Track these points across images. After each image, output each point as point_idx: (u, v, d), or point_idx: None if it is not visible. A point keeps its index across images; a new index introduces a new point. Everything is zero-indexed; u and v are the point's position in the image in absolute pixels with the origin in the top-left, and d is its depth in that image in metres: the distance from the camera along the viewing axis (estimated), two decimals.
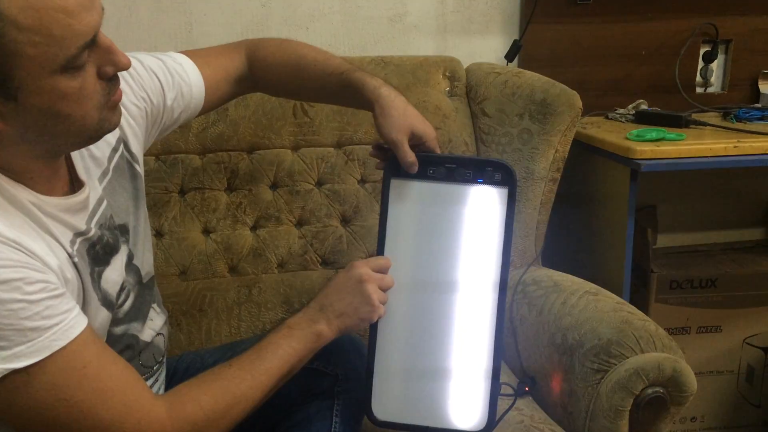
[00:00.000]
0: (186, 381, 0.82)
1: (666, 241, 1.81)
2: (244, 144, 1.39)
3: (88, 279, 0.78)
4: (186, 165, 1.37)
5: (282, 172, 1.40)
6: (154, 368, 0.94)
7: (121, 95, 0.76)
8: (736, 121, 1.59)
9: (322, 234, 1.40)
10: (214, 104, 1.07)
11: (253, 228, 1.39)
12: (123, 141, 0.90)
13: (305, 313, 0.92)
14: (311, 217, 1.40)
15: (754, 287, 1.66)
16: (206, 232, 1.37)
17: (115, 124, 0.77)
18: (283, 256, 1.39)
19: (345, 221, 1.42)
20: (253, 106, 1.39)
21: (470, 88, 1.52)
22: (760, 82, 1.87)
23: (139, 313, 0.89)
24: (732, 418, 1.76)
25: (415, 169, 0.97)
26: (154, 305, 0.94)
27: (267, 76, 1.07)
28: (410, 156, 0.95)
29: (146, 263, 0.92)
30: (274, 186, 1.40)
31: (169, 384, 1.01)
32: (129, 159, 0.91)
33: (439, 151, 1.00)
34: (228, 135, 1.38)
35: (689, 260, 1.71)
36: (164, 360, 0.98)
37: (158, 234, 1.35)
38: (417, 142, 0.97)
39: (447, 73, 1.53)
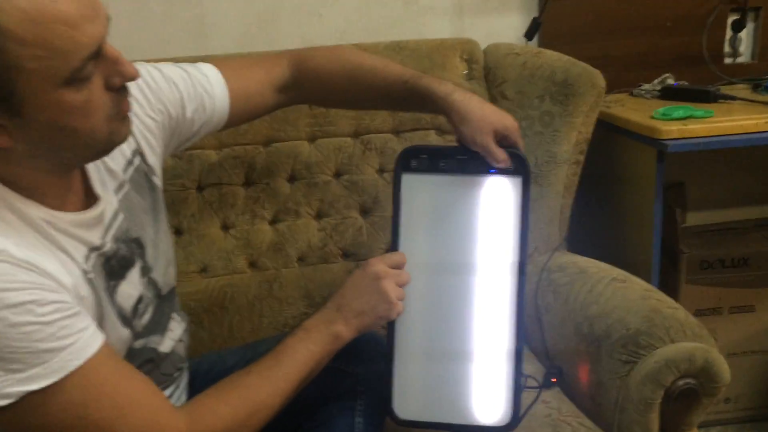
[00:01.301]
0: (205, 390, 0.81)
1: (695, 219, 1.76)
2: (260, 137, 1.37)
3: (103, 294, 0.77)
4: (202, 160, 1.35)
5: (299, 164, 1.38)
6: (174, 375, 0.93)
7: (129, 107, 0.74)
8: (767, 92, 1.53)
9: (341, 226, 1.39)
10: (245, 117, 1.04)
11: (272, 222, 1.38)
12: (139, 153, 0.88)
13: (322, 314, 0.91)
14: (330, 209, 1.39)
15: None
16: (225, 228, 1.36)
17: (125, 136, 0.75)
18: (303, 250, 1.37)
19: (364, 212, 1.40)
20: None
21: (488, 71, 1.48)
22: None
23: (158, 326, 0.88)
24: (766, 399, 1.72)
25: (508, 164, 0.95)
26: (174, 314, 0.94)
27: (319, 87, 1.04)
28: (500, 155, 0.93)
29: (168, 275, 0.91)
30: (291, 179, 1.38)
31: (191, 386, 1.01)
32: (146, 171, 0.89)
33: (521, 142, 0.97)
34: (244, 128, 1.36)
35: (720, 239, 1.66)
36: (185, 365, 0.98)
37: (177, 232, 1.34)
38: (500, 138, 0.95)
39: (464, 56, 1.48)
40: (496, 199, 0.97)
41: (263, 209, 1.37)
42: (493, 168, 0.96)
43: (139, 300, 0.83)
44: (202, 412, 0.78)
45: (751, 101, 1.46)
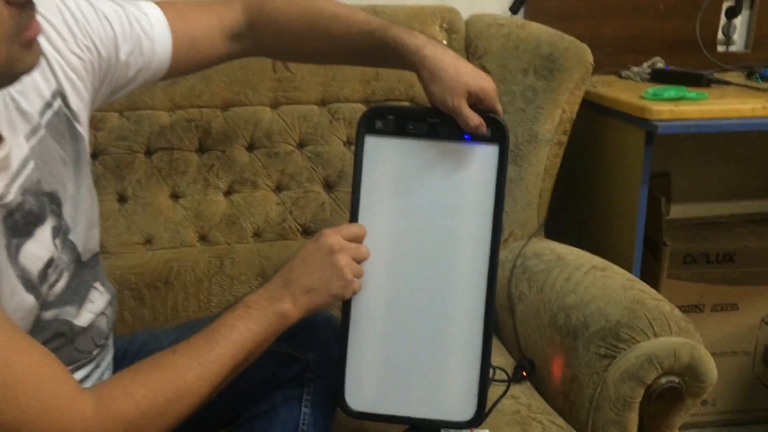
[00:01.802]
0: (121, 371, 0.70)
1: (680, 211, 1.67)
2: (217, 100, 1.25)
3: (2, 252, 0.66)
4: (152, 122, 1.23)
5: (259, 131, 1.27)
6: (94, 353, 0.81)
7: (37, 30, 0.62)
8: (762, 80, 1.45)
9: (302, 200, 1.28)
10: (186, 68, 0.91)
11: (227, 193, 1.27)
12: (61, 95, 0.76)
13: (266, 289, 0.80)
14: (291, 182, 1.28)
15: None
16: (174, 196, 1.25)
17: (31, 66, 0.63)
18: (259, 225, 1.26)
19: (328, 186, 1.30)
20: None
21: (469, 42, 1.38)
22: None
23: (74, 296, 0.76)
24: (746, 403, 1.64)
25: (484, 129, 0.84)
26: (96, 284, 0.82)
27: (276, 35, 0.92)
28: (473, 119, 0.83)
29: (90, 239, 0.79)
30: (250, 147, 1.27)
31: (119, 367, 0.89)
32: (68, 116, 0.77)
33: (500, 108, 0.87)
34: (200, 90, 1.25)
35: (705, 232, 1.58)
36: (108, 342, 0.86)
37: (121, 199, 1.23)
38: (475, 101, 0.84)
39: (444, 25, 1.38)
40: (469, 169, 0.87)
41: (217, 178, 1.25)
42: (467, 134, 0.86)
43: (50, 263, 0.71)
44: (115, 394, 0.67)
45: (747, 87, 1.38)
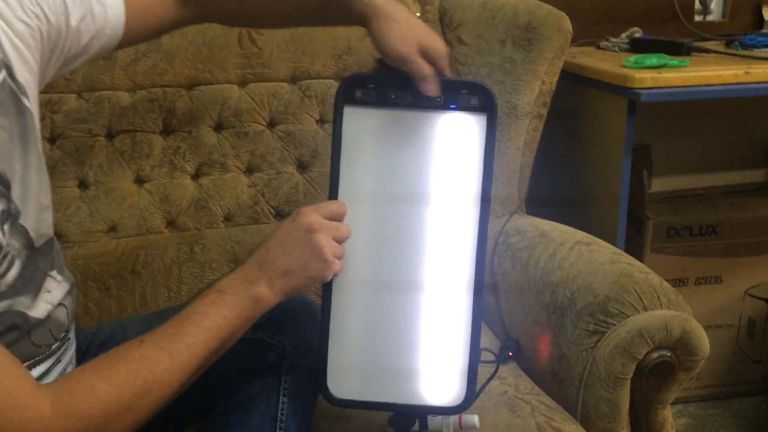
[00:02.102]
0: (83, 364, 0.65)
1: (661, 184, 1.65)
2: (181, 78, 1.19)
3: None
4: (113, 103, 1.17)
5: (227, 111, 1.20)
6: (53, 347, 0.75)
7: None
8: (742, 48, 1.42)
9: (275, 182, 1.22)
10: (141, 35, 0.85)
11: (195, 176, 1.20)
12: (6, 66, 0.69)
13: (240, 272, 0.75)
14: (262, 163, 1.22)
15: (758, 233, 1.52)
16: (139, 181, 1.18)
17: None
18: (230, 208, 1.21)
19: (302, 167, 1.24)
20: (192, 34, 1.19)
21: (444, 13, 1.33)
22: (764, 8, 1.70)
23: (28, 285, 0.70)
24: (731, 376, 1.63)
25: (436, 88, 0.79)
26: (53, 273, 0.76)
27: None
28: (426, 68, 0.77)
29: (42, 223, 0.73)
30: (218, 127, 1.21)
31: (80, 364, 0.84)
32: (14, 90, 0.70)
33: (449, 72, 0.82)
34: (162, 68, 1.18)
35: (688, 205, 1.56)
36: (69, 335, 0.80)
37: (82, 185, 1.16)
38: (426, 61, 0.79)
39: None
40: (456, 140, 0.82)
41: (184, 161, 1.19)
42: (453, 103, 0.81)
43: None
44: (75, 390, 0.61)
45: (728, 54, 1.35)
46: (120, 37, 0.80)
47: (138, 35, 0.84)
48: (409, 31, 0.78)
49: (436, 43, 0.79)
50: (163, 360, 0.66)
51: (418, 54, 0.77)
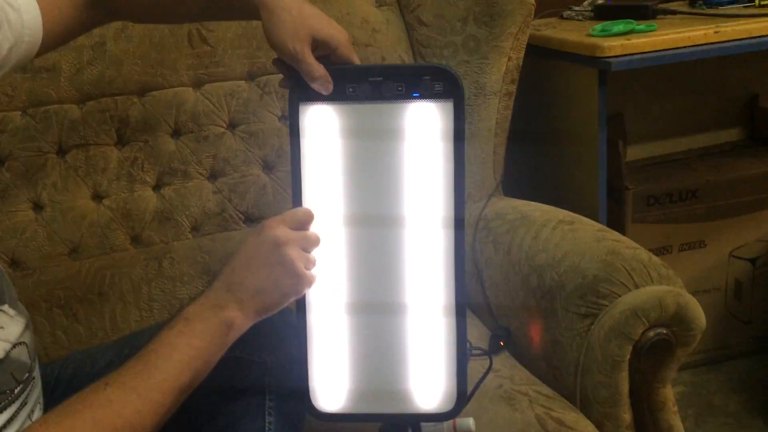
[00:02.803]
0: (44, 415, 0.59)
1: (636, 153, 1.62)
2: (132, 85, 1.13)
3: None
4: (61, 118, 1.10)
5: (184, 115, 1.15)
6: (16, 391, 0.70)
7: None
8: (707, 6, 1.39)
9: (241, 186, 1.17)
10: (57, 39, 0.80)
11: (156, 187, 1.15)
12: None
13: (207, 297, 0.70)
14: (226, 167, 1.16)
15: (738, 194, 1.49)
16: (97, 197, 1.12)
17: None
18: (196, 218, 1.15)
19: (268, 168, 1.19)
20: (137, 37, 1.12)
21: None
22: None
23: None
24: (721, 339, 1.62)
25: (328, 87, 0.74)
26: (4, 307, 0.70)
27: None
28: (317, 69, 0.72)
29: None
30: (176, 134, 1.15)
31: (50, 398, 0.78)
32: None
33: (357, 60, 0.76)
34: (110, 76, 1.12)
35: (665, 172, 1.53)
36: (33, 374, 0.75)
37: (36, 207, 1.10)
38: (325, 53, 0.74)
39: None
40: (423, 131, 0.77)
41: (143, 172, 1.13)
42: (417, 91, 0.76)
43: None
44: None
45: (695, 14, 1.32)
46: (39, 43, 0.74)
47: (54, 40, 0.78)
48: (299, 24, 0.71)
49: (331, 30, 0.74)
50: (131, 401, 0.61)
51: (308, 50, 0.72)
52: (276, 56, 0.76)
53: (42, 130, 1.10)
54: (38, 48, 0.75)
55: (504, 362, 1.01)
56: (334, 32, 0.74)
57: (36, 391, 0.75)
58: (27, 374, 0.72)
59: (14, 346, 0.70)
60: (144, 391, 0.62)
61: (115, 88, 1.12)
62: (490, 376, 0.96)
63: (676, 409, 0.93)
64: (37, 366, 0.76)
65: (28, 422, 0.72)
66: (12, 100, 1.09)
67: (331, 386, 0.78)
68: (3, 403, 0.68)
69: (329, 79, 0.73)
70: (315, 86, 0.73)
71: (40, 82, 1.09)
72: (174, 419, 0.68)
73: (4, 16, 0.69)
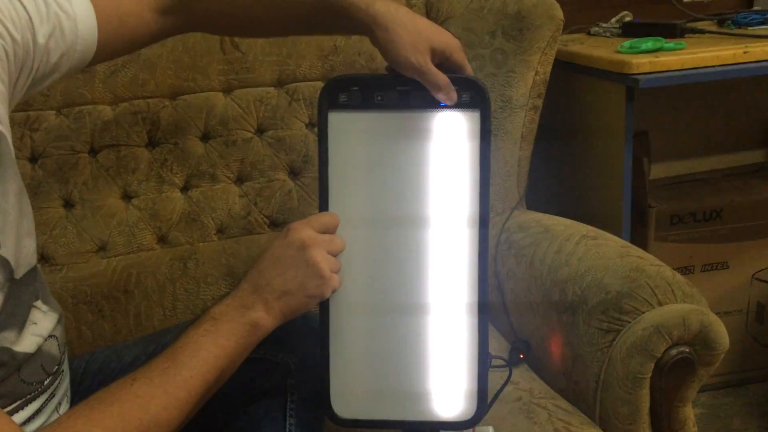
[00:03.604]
0: (74, 407, 0.60)
1: (660, 170, 1.61)
2: (164, 88, 1.15)
3: None
4: (94, 118, 1.12)
5: (213, 119, 1.16)
6: (46, 383, 0.71)
7: None
8: (735, 27, 1.39)
9: (267, 190, 1.18)
10: (116, 50, 0.80)
11: (184, 189, 1.16)
12: None
13: (234, 297, 0.71)
14: (253, 171, 1.18)
15: (763, 216, 1.48)
16: (126, 197, 1.14)
17: None
18: (222, 220, 1.16)
19: (293, 173, 1.20)
20: (171, 42, 1.14)
21: (430, 6, 1.29)
22: None
23: (12, 319, 0.66)
24: (742, 362, 1.60)
25: (452, 96, 0.75)
26: (37, 303, 0.71)
27: (211, 7, 0.82)
28: (442, 78, 0.73)
29: (23, 253, 0.68)
30: (205, 137, 1.17)
31: (76, 393, 0.80)
32: None
33: (469, 66, 0.78)
34: (143, 79, 1.14)
35: (689, 191, 1.52)
36: (62, 368, 0.76)
37: (67, 204, 1.12)
38: (440, 61, 0.75)
39: None
40: (449, 140, 0.78)
41: (172, 174, 1.15)
42: (442, 100, 0.77)
43: None
44: None
45: (723, 34, 1.32)
46: (93, 54, 0.75)
47: (113, 50, 0.79)
48: (417, 37, 0.73)
49: (445, 38, 0.75)
50: (158, 397, 0.62)
51: (430, 61, 0.73)
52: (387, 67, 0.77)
53: (75, 130, 1.12)
54: (90, 59, 0.76)
55: (523, 375, 1.01)
56: (449, 40, 0.75)
57: (64, 384, 0.76)
58: (56, 367, 0.73)
59: (46, 339, 0.71)
60: (170, 388, 0.63)
61: (148, 91, 1.14)
62: (509, 387, 0.96)
63: (696, 429, 0.92)
64: (66, 359, 0.77)
65: (56, 414, 0.73)
66: (47, 100, 1.11)
67: (350, 391, 0.79)
68: (32, 395, 0.69)
69: (453, 87, 0.74)
70: (440, 96, 0.75)
71: (75, 82, 1.12)
72: (196, 417, 0.69)
73: (57, 23, 0.70)
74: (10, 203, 0.66)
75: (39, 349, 0.70)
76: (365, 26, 0.75)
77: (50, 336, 0.72)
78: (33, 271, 0.70)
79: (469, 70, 0.78)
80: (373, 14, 0.74)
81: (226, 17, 0.84)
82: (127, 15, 0.78)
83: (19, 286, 0.67)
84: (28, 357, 0.68)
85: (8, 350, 0.65)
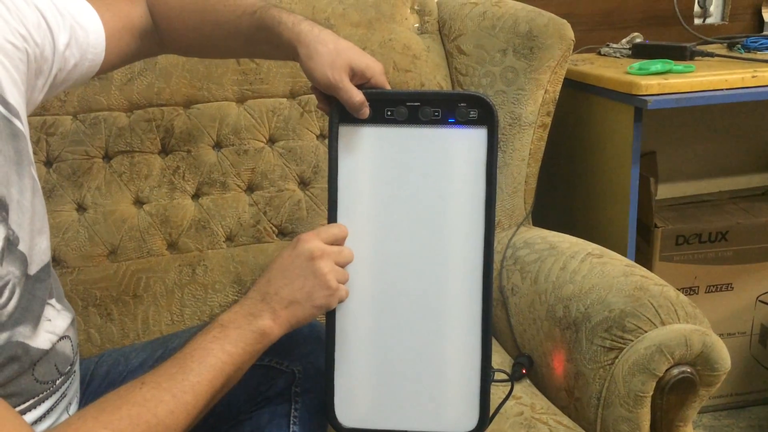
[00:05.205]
0: (81, 410, 0.62)
1: (667, 191, 1.62)
2: (178, 97, 1.17)
3: None
4: (110, 124, 1.14)
5: (226, 128, 1.18)
6: (58, 382, 0.72)
7: None
8: (745, 51, 1.40)
9: (276, 200, 1.20)
10: (115, 62, 0.84)
11: (195, 196, 1.18)
12: None
13: (243, 305, 0.72)
14: (263, 181, 1.19)
15: None
16: (138, 203, 1.16)
17: None
18: (231, 228, 1.18)
19: (303, 184, 1.22)
20: None
21: (443, 23, 1.31)
22: (763, 10, 1.69)
23: (27, 314, 0.67)
24: (745, 385, 1.60)
25: (365, 112, 0.77)
26: (51, 301, 0.73)
27: (171, 26, 0.86)
28: (356, 95, 0.75)
29: (38, 249, 0.70)
30: (217, 146, 1.19)
31: (84, 395, 0.81)
32: (5, 113, 0.68)
33: (388, 87, 0.79)
34: (159, 87, 1.16)
35: (695, 212, 1.53)
36: (75, 368, 0.77)
37: (80, 208, 1.13)
38: (361, 82, 0.77)
39: (415, 6, 1.31)
40: (456, 156, 0.79)
41: (184, 181, 1.17)
42: (452, 117, 0.78)
43: (2, 279, 0.63)
44: None
45: (732, 57, 1.33)
46: (100, 63, 0.78)
47: (112, 63, 0.83)
48: (336, 56, 0.75)
49: (366, 60, 0.77)
50: (166, 401, 0.63)
51: (347, 79, 0.75)
52: (316, 97, 0.80)
53: (90, 135, 1.14)
54: (98, 68, 0.79)
55: (525, 390, 1.02)
56: (369, 62, 0.77)
57: (75, 385, 0.78)
58: (69, 367, 0.75)
59: (60, 338, 0.73)
60: (178, 393, 0.64)
61: (163, 99, 1.16)
62: (511, 402, 0.96)
63: None
64: (78, 360, 0.79)
65: (66, 415, 0.74)
66: (64, 105, 1.13)
67: (354, 400, 0.80)
68: (45, 393, 0.71)
69: (366, 104, 0.77)
70: (354, 112, 0.77)
71: (92, 89, 1.14)
72: (202, 422, 0.71)
73: (73, 33, 0.73)
74: (27, 200, 0.68)
75: (53, 348, 0.71)
76: (291, 44, 0.77)
77: (64, 336, 0.74)
78: (46, 267, 0.72)
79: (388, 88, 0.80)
80: (298, 32, 0.76)
81: (186, 40, 0.88)
82: (123, 31, 0.82)
83: (33, 283, 0.69)
84: (42, 354, 0.69)
85: (23, 344, 0.66)
